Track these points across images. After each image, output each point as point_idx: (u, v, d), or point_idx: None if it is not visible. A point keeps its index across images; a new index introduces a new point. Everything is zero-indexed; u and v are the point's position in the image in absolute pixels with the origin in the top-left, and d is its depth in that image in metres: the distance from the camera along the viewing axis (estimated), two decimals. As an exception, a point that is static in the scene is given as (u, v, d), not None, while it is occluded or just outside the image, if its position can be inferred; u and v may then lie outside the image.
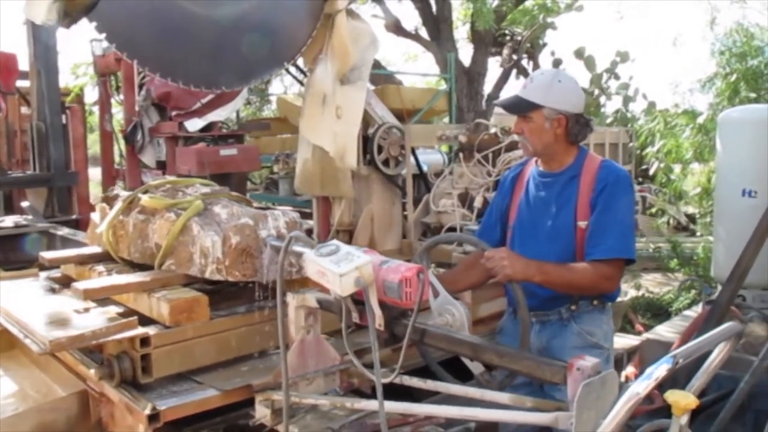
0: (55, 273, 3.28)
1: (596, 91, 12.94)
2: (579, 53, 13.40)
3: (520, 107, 2.34)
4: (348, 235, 4.48)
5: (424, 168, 5.24)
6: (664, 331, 4.99)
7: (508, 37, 12.01)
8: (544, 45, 13.44)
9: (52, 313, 2.48)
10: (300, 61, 5.04)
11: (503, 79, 10.94)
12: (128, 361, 2.28)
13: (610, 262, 2.26)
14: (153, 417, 2.09)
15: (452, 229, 4.30)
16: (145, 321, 2.46)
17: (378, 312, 1.93)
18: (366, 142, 4.41)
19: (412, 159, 4.58)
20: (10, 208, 7.64)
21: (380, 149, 4.43)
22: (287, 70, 4.21)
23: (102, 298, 2.54)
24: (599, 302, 2.42)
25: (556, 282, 2.28)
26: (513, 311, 2.55)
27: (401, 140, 4.51)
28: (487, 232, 2.61)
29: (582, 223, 2.32)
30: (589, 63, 13.33)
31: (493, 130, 4.43)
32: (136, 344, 2.26)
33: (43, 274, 3.27)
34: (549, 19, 11.84)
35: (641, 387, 1.38)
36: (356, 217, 4.51)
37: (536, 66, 12.72)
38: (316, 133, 4.20)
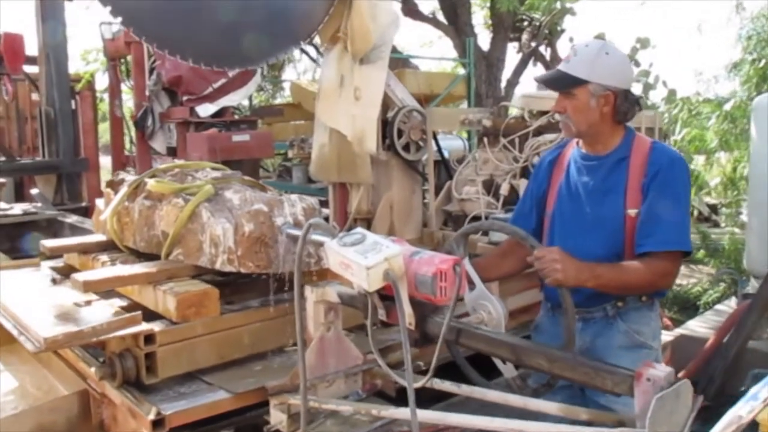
0: (58, 262, 3.10)
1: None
2: (598, 39, 13.06)
3: (563, 83, 2.11)
4: (366, 224, 4.27)
5: (445, 154, 5.01)
6: (697, 326, 4.76)
7: (526, 23, 11.70)
8: (563, 31, 13.11)
9: (50, 306, 2.29)
10: (316, 41, 4.81)
11: (522, 64, 10.62)
12: (131, 360, 2.08)
13: (664, 255, 2.03)
14: (157, 422, 1.90)
15: (476, 218, 4.07)
16: (150, 315, 2.27)
17: (408, 309, 1.72)
18: (385, 126, 4.19)
19: (433, 144, 4.35)
20: (21, 196, 7.52)
21: (400, 133, 4.20)
22: (302, 50, 4.01)
23: (104, 290, 2.34)
24: (647, 298, 2.20)
25: (611, 285, 2.06)
26: (551, 307, 2.33)
27: (422, 124, 4.28)
28: (521, 219, 2.39)
29: (632, 211, 2.08)
30: (609, 49, 12.98)
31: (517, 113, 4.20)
32: (140, 342, 2.06)
33: (46, 264, 3.09)
34: (568, 5, 11.53)
35: (744, 410, 1.16)
36: (375, 205, 4.29)
37: (554, 53, 12.39)
38: (333, 117, 3.99)
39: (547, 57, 11.85)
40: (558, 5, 11.36)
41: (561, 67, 2.13)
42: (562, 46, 12.69)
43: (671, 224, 2.02)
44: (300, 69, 14.71)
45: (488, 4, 11.03)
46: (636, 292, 2.14)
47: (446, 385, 1.92)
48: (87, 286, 2.18)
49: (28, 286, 2.65)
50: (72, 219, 5.51)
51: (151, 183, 2.58)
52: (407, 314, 1.74)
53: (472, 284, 2.04)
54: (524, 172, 4.01)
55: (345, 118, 3.91)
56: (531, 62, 11.44)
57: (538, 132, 4.01)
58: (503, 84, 10.05)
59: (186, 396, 2.09)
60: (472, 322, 2.01)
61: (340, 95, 3.97)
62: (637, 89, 13.10)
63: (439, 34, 11.52)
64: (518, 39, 11.16)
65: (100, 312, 2.19)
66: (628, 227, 2.10)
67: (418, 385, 1.76)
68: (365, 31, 3.74)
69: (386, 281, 1.65)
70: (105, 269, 2.43)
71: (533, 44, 10.45)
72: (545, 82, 2.17)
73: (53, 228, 5.80)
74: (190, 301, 2.15)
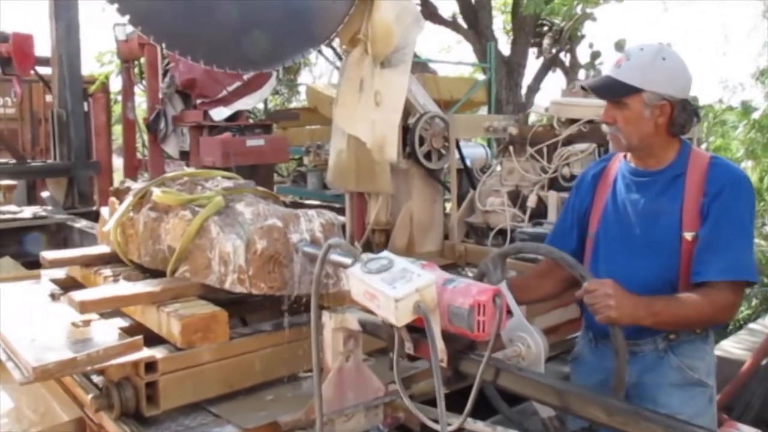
0: (62, 273, 2.92)
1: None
2: (619, 45, 12.78)
3: (613, 90, 1.89)
4: (384, 235, 4.07)
5: (467, 162, 4.80)
6: (732, 347, 4.50)
7: (546, 28, 11.49)
8: (582, 37, 12.90)
9: (45, 326, 2.11)
10: (335, 43, 4.62)
11: (544, 70, 10.40)
12: (131, 390, 1.89)
13: (726, 286, 1.80)
14: (158, 463, 1.70)
15: (502, 231, 3.86)
16: (154, 338, 2.08)
17: (441, 345, 1.52)
18: (406, 132, 3.98)
19: (456, 152, 4.15)
20: (33, 199, 7.40)
21: (422, 141, 4.00)
22: (320, 52, 3.84)
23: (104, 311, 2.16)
24: (702, 330, 1.98)
25: (669, 322, 1.85)
26: (594, 337, 2.12)
27: (445, 131, 4.08)
28: (560, 238, 2.17)
29: (689, 234, 1.86)
30: (630, 56, 12.73)
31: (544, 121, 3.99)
32: (140, 370, 1.87)
33: (47, 276, 2.91)
34: (588, 10, 11.32)
35: None
36: (393, 215, 4.09)
37: (574, 59, 12.17)
38: (352, 122, 3.79)
39: (567, 63, 11.64)
40: (578, 10, 11.16)
41: (611, 72, 1.91)
42: (582, 52, 12.47)
43: (734, 251, 1.80)
44: (316, 73, 14.54)
45: (509, 8, 10.82)
46: (694, 327, 1.92)
47: (480, 426, 1.72)
48: (84, 307, 1.99)
49: (25, 301, 2.47)
50: (81, 224, 5.37)
51: (156, 193, 2.39)
52: (439, 350, 1.54)
53: (509, 312, 1.83)
54: (552, 184, 3.80)
55: (364, 124, 3.71)
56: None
57: (568, 141, 3.78)
58: (524, 90, 9.82)
59: (191, 430, 1.90)
60: (508, 355, 1.80)
61: (360, 100, 3.76)
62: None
63: (457, 39, 11.34)
64: (538, 44, 10.95)
65: (98, 335, 2.00)
66: (683, 252, 1.88)
67: (452, 428, 1.56)
68: (387, 33, 3.54)
69: (416, 315, 1.44)
70: (104, 288, 2.23)
71: (554, 50, 10.21)
72: (593, 90, 1.95)
73: (62, 233, 5.67)
74: (196, 325, 1.96)
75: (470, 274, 4.02)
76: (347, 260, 1.80)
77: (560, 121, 3.88)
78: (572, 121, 3.86)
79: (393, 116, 3.63)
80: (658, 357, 1.97)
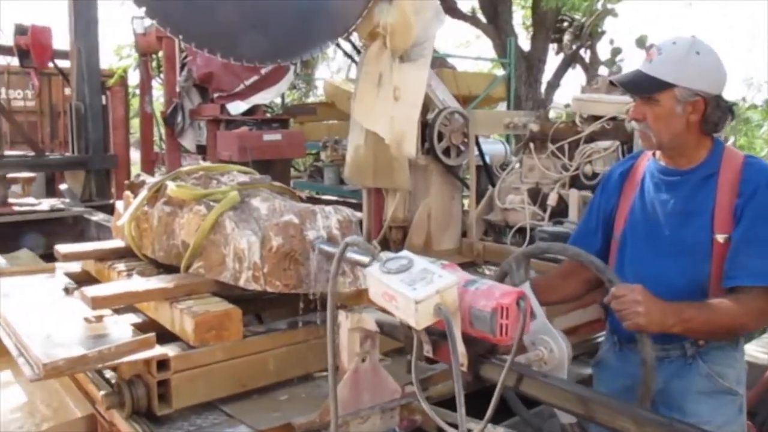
0: (75, 267, 2.90)
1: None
2: (641, 42, 12.62)
3: (644, 86, 1.81)
4: (401, 232, 4.01)
5: (487, 159, 4.72)
6: (756, 351, 4.39)
7: (566, 23, 11.35)
8: (603, 33, 12.74)
9: (57, 321, 2.07)
10: (354, 37, 4.56)
11: (564, 66, 10.26)
12: (143, 388, 1.86)
13: (760, 292, 1.72)
14: (169, 463, 1.66)
15: (521, 230, 3.79)
16: (167, 336, 2.04)
17: (461, 348, 1.46)
18: (425, 128, 3.92)
19: (475, 148, 4.07)
20: (52, 191, 7.42)
21: (441, 137, 3.93)
22: (338, 46, 3.77)
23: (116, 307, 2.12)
24: (732, 336, 1.90)
25: (700, 330, 1.77)
26: (618, 341, 2.04)
27: (464, 127, 4.01)
28: (585, 238, 2.10)
29: (721, 237, 1.78)
30: (651, 52, 12.54)
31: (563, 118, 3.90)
32: (152, 368, 1.83)
33: (61, 269, 2.89)
34: (609, 6, 11.16)
35: None
36: (411, 212, 4.02)
37: (594, 55, 12.02)
38: (370, 117, 3.73)
39: (587, 59, 11.49)
40: (599, 6, 11.01)
41: (642, 67, 1.83)
42: (602, 49, 12.31)
43: None
44: (334, 67, 14.48)
45: (529, 4, 10.70)
46: (725, 335, 1.84)
47: (500, 432, 1.66)
48: (96, 303, 1.95)
49: (38, 296, 2.44)
50: (98, 217, 5.36)
51: (171, 187, 2.35)
52: (459, 353, 1.48)
53: (532, 314, 1.76)
54: (574, 182, 3.72)
55: (383, 120, 3.65)
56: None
57: (591, 138, 3.70)
58: (543, 87, 9.70)
59: (203, 430, 1.86)
60: (531, 359, 1.74)
61: (378, 95, 3.70)
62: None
63: (476, 34, 11.22)
64: (558, 40, 10.82)
65: (111, 331, 1.97)
66: (715, 255, 1.80)
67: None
68: (407, 26, 3.48)
69: (437, 317, 1.39)
70: (117, 283, 2.20)
71: (575, 46, 10.08)
72: (623, 85, 1.87)
73: (79, 225, 5.67)
74: (209, 323, 1.92)
75: (487, 273, 3.98)
76: (365, 259, 1.75)
77: (582, 117, 3.80)
78: (595, 118, 3.78)
79: (412, 111, 3.57)
80: (685, 363, 1.90)
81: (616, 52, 12.87)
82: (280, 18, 3.28)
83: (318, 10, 3.47)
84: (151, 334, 1.88)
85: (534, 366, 1.74)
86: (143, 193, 2.55)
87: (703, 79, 1.79)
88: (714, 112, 1.80)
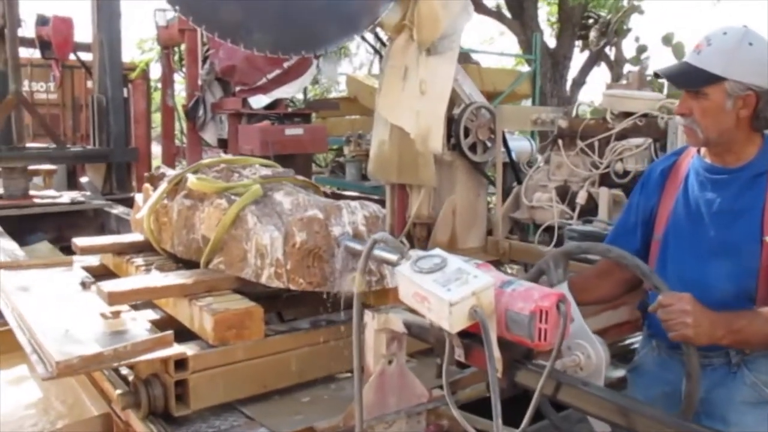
0: (94, 261, 2.85)
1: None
2: (667, 39, 12.38)
3: (692, 79, 1.70)
4: (426, 230, 3.92)
5: (513, 156, 4.61)
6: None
7: (592, 20, 11.18)
8: (629, 30, 12.55)
9: (73, 317, 2.01)
10: (378, 29, 4.47)
11: (590, 63, 10.09)
12: (160, 388, 1.79)
13: None
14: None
15: (549, 229, 3.68)
16: (185, 333, 1.97)
17: (497, 354, 1.37)
18: (450, 124, 3.82)
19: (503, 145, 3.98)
20: (74, 184, 7.43)
21: (467, 132, 3.83)
22: (363, 38, 3.68)
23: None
24: (780, 344, 1.79)
25: (751, 342, 1.66)
26: (657, 346, 1.94)
27: (491, 123, 3.91)
28: (623, 237, 1.99)
29: None
30: (678, 50, 12.27)
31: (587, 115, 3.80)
32: (170, 367, 1.76)
33: (79, 262, 2.83)
34: (636, 2, 10.98)
35: None
36: (435, 209, 3.93)
37: (619, 52, 11.82)
38: (395, 112, 3.64)
39: (612, 57, 11.30)
40: (625, 3, 10.83)
41: (689, 59, 1.72)
42: (628, 47, 12.11)
43: None
44: (356, 63, 14.40)
45: (555, 0, 10.55)
46: None
47: (534, 443, 1.57)
48: (113, 298, 1.89)
49: (54, 289, 2.38)
50: (118, 210, 5.35)
51: (191, 180, 2.28)
52: (496, 359, 1.39)
53: (572, 318, 1.67)
54: (603, 180, 3.61)
55: (408, 114, 3.55)
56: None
57: (622, 135, 3.59)
58: (569, 84, 9.54)
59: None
60: (566, 365, 1.64)
61: (404, 89, 3.61)
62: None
63: (501, 30, 11.09)
64: (584, 37, 10.66)
65: (128, 328, 1.90)
66: (764, 258, 1.69)
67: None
68: (434, 18, 3.38)
69: (472, 321, 1.30)
70: (135, 278, 2.13)
71: (601, 43, 9.91)
72: (669, 78, 1.76)
73: (100, 218, 5.66)
74: (229, 321, 1.84)
75: (509, 271, 3.88)
76: (393, 257, 1.67)
77: (613, 114, 3.69)
78: (626, 115, 3.66)
79: (439, 106, 3.48)
80: (729, 372, 1.79)
81: (642, 49, 12.64)
82: (304, 8, 3.20)
83: (343, 1, 3.38)
84: (169, 332, 1.81)
85: (569, 372, 1.65)
86: (163, 185, 2.49)
87: (756, 73, 1.67)
88: (766, 108, 1.69)
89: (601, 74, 11.48)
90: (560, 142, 3.86)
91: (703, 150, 1.86)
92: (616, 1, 10.51)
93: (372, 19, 3.57)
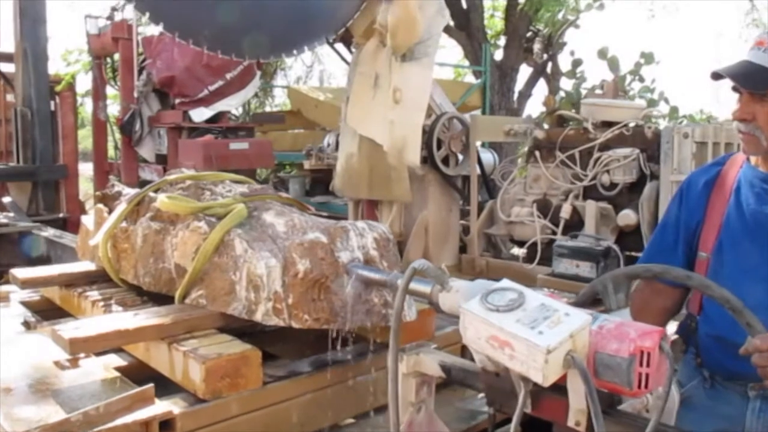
0: (33, 294, 2.45)
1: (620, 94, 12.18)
2: (602, 53, 12.63)
3: (757, 79, 1.50)
4: (397, 248, 3.66)
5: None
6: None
7: (531, 34, 11.25)
8: (564, 44, 12.73)
9: (20, 367, 1.65)
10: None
11: (536, 76, 10.09)
12: (140, 455, 1.44)
13: None
14: None
15: (532, 244, 3.49)
16: (157, 380, 1.63)
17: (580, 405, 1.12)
18: (422, 135, 3.59)
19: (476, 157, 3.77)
20: (-7, 205, 6.82)
21: (439, 144, 3.61)
22: (330, 44, 3.41)
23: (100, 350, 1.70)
24: None
25: None
26: (709, 377, 1.73)
27: (463, 134, 3.70)
28: (660, 257, 1.78)
29: None
30: (613, 64, 12.55)
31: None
32: (153, 429, 1.42)
33: (16, 296, 2.43)
34: (570, 17, 11.13)
35: None
36: (407, 226, 3.68)
37: (555, 66, 11.94)
38: (364, 123, 3.39)
39: (548, 70, 11.39)
40: (560, 17, 10.94)
41: (751, 57, 1.52)
42: (563, 60, 12.26)
43: None
44: (292, 77, 14.04)
45: (501, 13, 10.55)
46: None
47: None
48: (75, 346, 1.53)
49: (-8, 332, 1.99)
50: (49, 232, 4.86)
51: (161, 200, 1.94)
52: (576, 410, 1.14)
53: None
54: (589, 192, 3.44)
55: (380, 125, 3.30)
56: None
57: (605, 146, 3.43)
58: (515, 96, 9.50)
59: (214, 504, 1.46)
60: (635, 408, 1.40)
61: (374, 98, 3.36)
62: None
63: (451, 43, 10.97)
64: (528, 50, 10.71)
65: (92, 380, 1.55)
66: None
67: None
68: (411, 22, 3.15)
69: (566, 369, 1.04)
70: (99, 319, 1.76)
71: (545, 55, 9.95)
72: (731, 76, 1.54)
73: (26, 242, 5.14)
74: (223, 369, 1.52)
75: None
76: (426, 288, 1.40)
77: (595, 124, 3.53)
78: (607, 125, 3.52)
79: (415, 115, 3.24)
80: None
81: (577, 63, 12.83)
82: (270, 12, 2.93)
83: (310, 3, 3.12)
84: (149, 386, 1.47)
85: (636, 412, 1.41)
86: (121, 206, 2.13)
87: None
88: None
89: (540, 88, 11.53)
90: (537, 153, 3.68)
91: (754, 159, 1.67)
92: (552, 15, 10.60)
93: (340, 23, 3.33)
